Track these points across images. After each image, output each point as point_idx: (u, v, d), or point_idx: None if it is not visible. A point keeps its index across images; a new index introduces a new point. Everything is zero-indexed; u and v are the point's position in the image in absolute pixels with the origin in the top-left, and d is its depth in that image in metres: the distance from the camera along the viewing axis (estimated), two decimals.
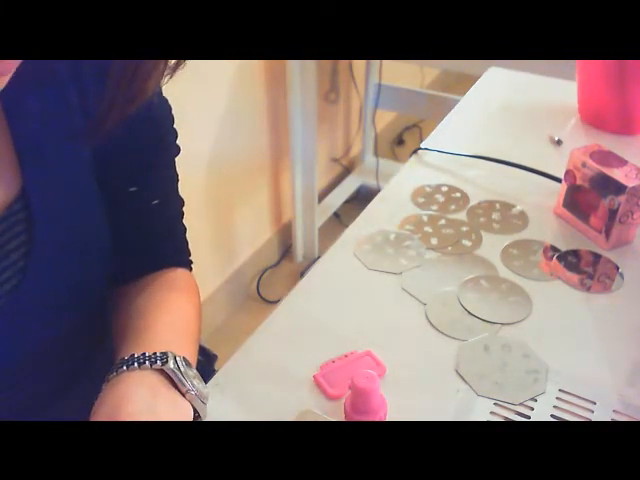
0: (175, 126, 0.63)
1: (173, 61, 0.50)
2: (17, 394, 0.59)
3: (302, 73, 1.76)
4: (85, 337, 0.65)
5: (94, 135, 0.54)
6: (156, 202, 0.63)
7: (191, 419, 0.50)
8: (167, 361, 0.51)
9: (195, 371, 0.54)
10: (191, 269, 0.69)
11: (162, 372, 0.51)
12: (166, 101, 0.61)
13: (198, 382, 0.53)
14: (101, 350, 0.68)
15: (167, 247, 0.66)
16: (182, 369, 0.52)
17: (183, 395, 0.51)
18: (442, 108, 1.29)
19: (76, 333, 0.62)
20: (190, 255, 0.69)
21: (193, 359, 0.56)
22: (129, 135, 0.58)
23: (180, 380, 0.51)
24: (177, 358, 0.52)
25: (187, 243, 0.69)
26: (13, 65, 0.40)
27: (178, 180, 0.66)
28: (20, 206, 0.53)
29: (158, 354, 0.52)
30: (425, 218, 0.80)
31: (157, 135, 0.61)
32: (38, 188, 0.54)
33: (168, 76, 0.51)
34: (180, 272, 0.66)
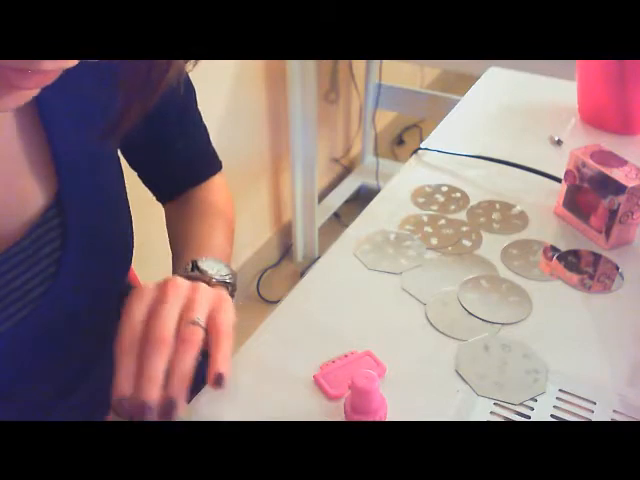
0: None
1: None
2: (25, 394, 0.59)
3: (302, 73, 1.76)
4: (94, 338, 0.65)
5: (111, 135, 0.54)
6: (188, 145, 0.72)
7: (227, 297, 0.56)
8: (191, 268, 0.59)
9: (219, 263, 0.61)
10: (221, 167, 0.78)
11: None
12: (191, 83, 0.69)
13: (219, 269, 0.60)
14: (103, 350, 0.68)
15: (200, 168, 0.75)
16: (201, 268, 0.59)
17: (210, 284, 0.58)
18: (442, 108, 1.29)
19: (88, 334, 0.63)
20: (218, 158, 0.77)
21: (225, 254, 0.67)
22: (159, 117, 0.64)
23: (199, 277, 0.58)
24: (197, 262, 0.60)
25: (215, 152, 0.77)
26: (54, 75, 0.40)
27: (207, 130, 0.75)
28: (54, 213, 0.53)
29: (187, 266, 0.60)
30: (425, 218, 0.80)
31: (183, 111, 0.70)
32: (72, 194, 0.54)
33: (191, 64, 0.52)
34: (212, 180, 0.76)
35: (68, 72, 0.49)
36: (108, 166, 0.58)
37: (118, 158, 0.60)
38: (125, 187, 0.63)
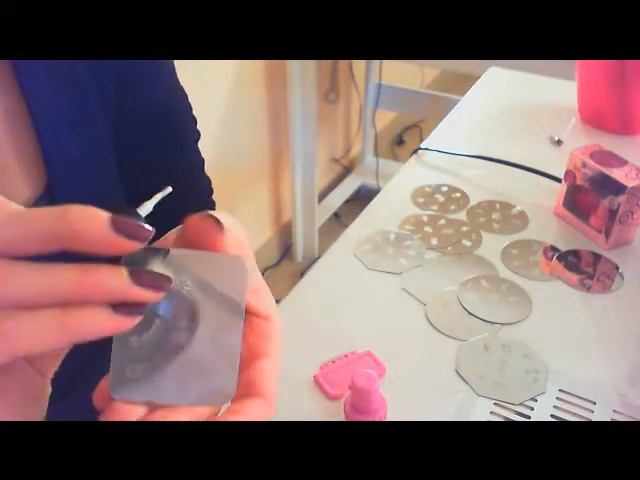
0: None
1: None
2: None
3: (302, 73, 1.76)
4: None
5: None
6: (185, 186, 0.67)
7: None
8: None
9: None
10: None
11: None
12: (182, 89, 0.64)
13: None
14: (103, 347, 0.68)
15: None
16: None
17: None
18: (442, 108, 1.29)
19: None
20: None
21: None
22: (152, 126, 0.61)
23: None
24: None
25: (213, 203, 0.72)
26: None
27: (204, 162, 0.70)
28: (45, 204, 0.53)
29: None
30: (425, 218, 0.80)
31: (179, 124, 0.65)
32: (63, 185, 0.53)
33: None
34: None
35: (60, 62, 0.49)
36: (102, 156, 0.58)
37: (112, 147, 0.59)
38: (119, 178, 0.63)
